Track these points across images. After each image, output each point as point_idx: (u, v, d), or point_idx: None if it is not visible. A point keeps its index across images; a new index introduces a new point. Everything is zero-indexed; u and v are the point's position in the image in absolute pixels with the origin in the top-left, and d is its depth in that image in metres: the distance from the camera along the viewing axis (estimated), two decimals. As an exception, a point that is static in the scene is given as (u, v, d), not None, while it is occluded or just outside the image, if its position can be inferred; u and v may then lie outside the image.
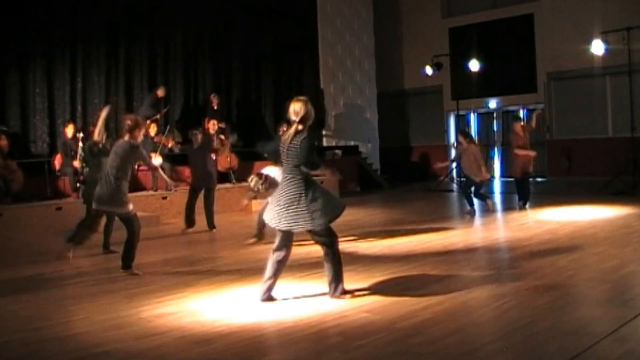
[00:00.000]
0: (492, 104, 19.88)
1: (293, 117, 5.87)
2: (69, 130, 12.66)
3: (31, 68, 13.70)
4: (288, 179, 5.88)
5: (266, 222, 6.06)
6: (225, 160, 14.33)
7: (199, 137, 11.31)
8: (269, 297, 6.00)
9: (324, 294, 6.14)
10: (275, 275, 6.00)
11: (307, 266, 7.71)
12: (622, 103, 16.52)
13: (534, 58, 18.63)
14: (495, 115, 20.17)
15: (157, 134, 13.91)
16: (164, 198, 13.26)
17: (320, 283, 6.77)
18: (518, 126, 12.43)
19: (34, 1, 13.54)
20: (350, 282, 6.75)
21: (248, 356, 4.65)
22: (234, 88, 17.45)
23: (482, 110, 20.36)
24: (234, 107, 17.41)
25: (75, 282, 7.39)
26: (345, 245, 9.05)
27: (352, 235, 10.04)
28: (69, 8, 14.16)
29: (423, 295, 6.04)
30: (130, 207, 7.49)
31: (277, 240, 6.01)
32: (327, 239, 5.97)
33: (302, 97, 6.05)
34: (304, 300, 6.10)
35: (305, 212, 5.75)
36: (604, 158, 16.65)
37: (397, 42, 21.78)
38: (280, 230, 5.93)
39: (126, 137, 7.52)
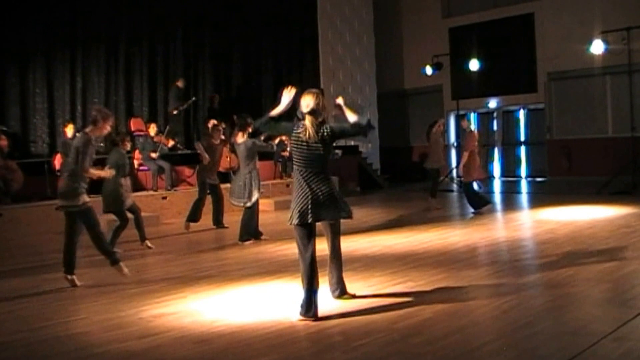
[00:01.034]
0: (492, 103, 19.85)
1: (304, 110, 5.76)
2: (69, 130, 12.64)
3: (31, 68, 13.70)
4: (317, 174, 5.64)
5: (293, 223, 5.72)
6: (225, 160, 14.30)
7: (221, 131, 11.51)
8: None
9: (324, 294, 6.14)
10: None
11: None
12: (622, 103, 16.51)
13: (534, 58, 18.59)
14: (495, 115, 20.14)
15: (157, 134, 13.90)
16: (164, 198, 13.26)
17: (320, 283, 6.77)
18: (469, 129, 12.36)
19: (34, 1, 13.53)
20: (350, 281, 6.75)
21: (247, 356, 4.66)
22: (234, 88, 17.44)
23: (482, 110, 20.34)
24: (234, 107, 17.39)
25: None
26: (345, 245, 9.04)
27: (352, 234, 10.03)
28: (69, 8, 14.15)
29: (423, 295, 6.04)
30: (83, 199, 6.93)
31: (302, 241, 5.61)
32: (339, 234, 5.98)
33: (313, 89, 5.99)
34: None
35: (342, 203, 5.73)
36: (604, 158, 16.63)
37: (397, 42, 21.76)
38: (308, 225, 5.59)
39: (88, 129, 7.04)
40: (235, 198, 9.53)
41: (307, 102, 5.76)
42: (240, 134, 9.58)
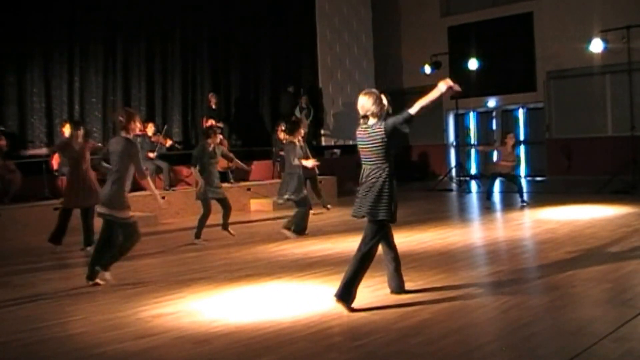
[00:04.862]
0: (491, 103, 19.85)
1: (361, 112, 5.95)
2: (67, 130, 12.62)
3: (29, 67, 13.65)
4: (373, 170, 6.00)
5: (352, 214, 6.13)
6: (222, 159, 14.26)
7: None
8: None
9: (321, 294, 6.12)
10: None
11: (306, 266, 7.71)
12: (622, 102, 16.50)
13: (533, 57, 18.59)
14: (494, 114, 20.13)
15: (154, 134, 13.88)
16: (162, 198, 13.19)
17: (319, 283, 6.77)
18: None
19: (32, 0, 13.49)
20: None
21: (246, 357, 4.64)
22: (232, 87, 17.41)
23: (481, 109, 20.33)
24: (232, 106, 17.39)
25: (73, 283, 7.37)
26: (344, 245, 9.05)
27: (351, 234, 10.02)
28: (67, 7, 14.12)
29: (422, 295, 6.03)
30: (130, 213, 6.93)
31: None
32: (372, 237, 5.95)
33: (370, 90, 6.10)
34: (302, 301, 6.09)
35: (384, 205, 6.01)
36: (604, 157, 16.62)
37: (395, 41, 21.75)
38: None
39: (122, 134, 7.00)
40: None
41: (363, 105, 5.92)
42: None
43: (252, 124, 17.61)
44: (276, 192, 14.94)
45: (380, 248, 6.05)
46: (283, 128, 15.65)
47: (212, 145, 9.94)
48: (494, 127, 20.12)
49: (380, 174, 5.93)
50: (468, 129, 20.87)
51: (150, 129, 13.86)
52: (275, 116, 17.71)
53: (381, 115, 5.94)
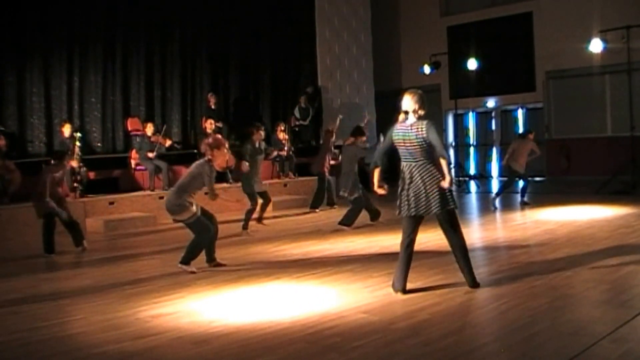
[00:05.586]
0: (491, 103, 19.84)
1: (403, 108, 6.17)
2: (66, 130, 12.63)
3: (28, 67, 13.62)
4: (418, 166, 6.15)
5: (402, 214, 6.25)
6: (222, 159, 14.25)
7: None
8: (405, 289, 6.13)
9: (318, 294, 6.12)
10: (409, 265, 6.21)
11: (305, 266, 7.71)
12: (621, 102, 16.49)
13: (532, 57, 18.58)
14: (493, 114, 20.13)
15: (153, 133, 13.87)
16: (161, 198, 13.20)
17: (318, 283, 6.77)
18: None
19: (32, 0, 13.48)
20: (347, 282, 6.77)
21: (245, 357, 4.64)
22: (231, 87, 17.39)
23: (480, 110, 20.32)
24: (232, 106, 17.38)
25: (72, 283, 7.37)
26: (343, 246, 9.06)
27: (350, 235, 10.03)
28: (66, 7, 14.10)
29: (421, 296, 6.04)
30: (192, 211, 7.55)
31: (407, 232, 6.24)
32: (455, 222, 6.23)
33: (413, 90, 6.26)
34: (301, 301, 6.09)
35: (448, 194, 6.08)
36: (603, 157, 16.62)
37: (395, 41, 21.74)
38: (412, 218, 6.19)
39: (206, 156, 7.94)
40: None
41: (407, 103, 6.20)
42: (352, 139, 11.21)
43: (251, 123, 17.54)
44: (275, 191, 15.05)
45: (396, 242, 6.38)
46: (282, 128, 15.66)
47: (257, 142, 10.82)
48: (493, 127, 20.12)
49: (426, 170, 6.10)
50: (467, 129, 20.86)
51: (150, 129, 13.85)
52: (274, 116, 17.69)
53: (422, 116, 6.10)
